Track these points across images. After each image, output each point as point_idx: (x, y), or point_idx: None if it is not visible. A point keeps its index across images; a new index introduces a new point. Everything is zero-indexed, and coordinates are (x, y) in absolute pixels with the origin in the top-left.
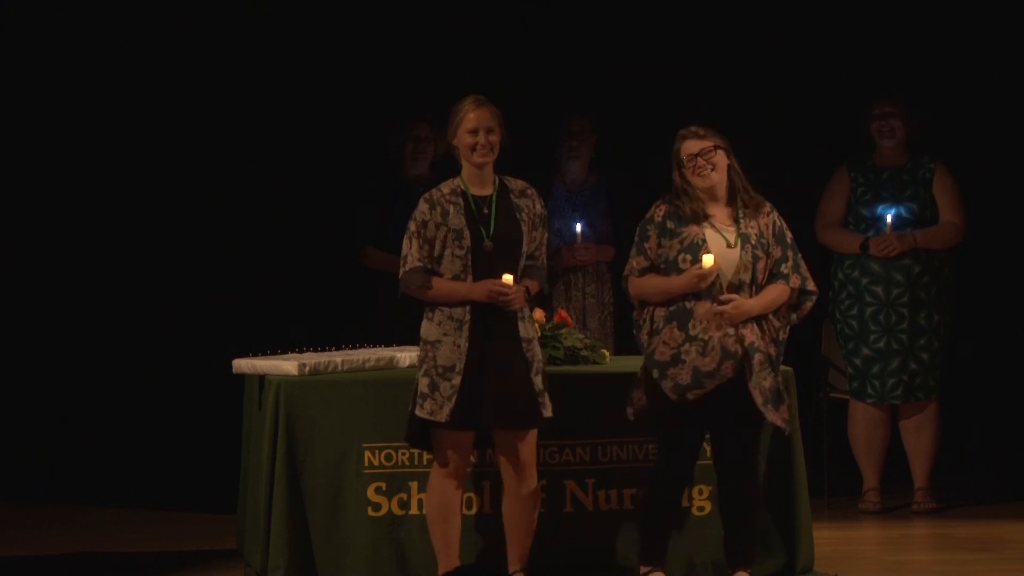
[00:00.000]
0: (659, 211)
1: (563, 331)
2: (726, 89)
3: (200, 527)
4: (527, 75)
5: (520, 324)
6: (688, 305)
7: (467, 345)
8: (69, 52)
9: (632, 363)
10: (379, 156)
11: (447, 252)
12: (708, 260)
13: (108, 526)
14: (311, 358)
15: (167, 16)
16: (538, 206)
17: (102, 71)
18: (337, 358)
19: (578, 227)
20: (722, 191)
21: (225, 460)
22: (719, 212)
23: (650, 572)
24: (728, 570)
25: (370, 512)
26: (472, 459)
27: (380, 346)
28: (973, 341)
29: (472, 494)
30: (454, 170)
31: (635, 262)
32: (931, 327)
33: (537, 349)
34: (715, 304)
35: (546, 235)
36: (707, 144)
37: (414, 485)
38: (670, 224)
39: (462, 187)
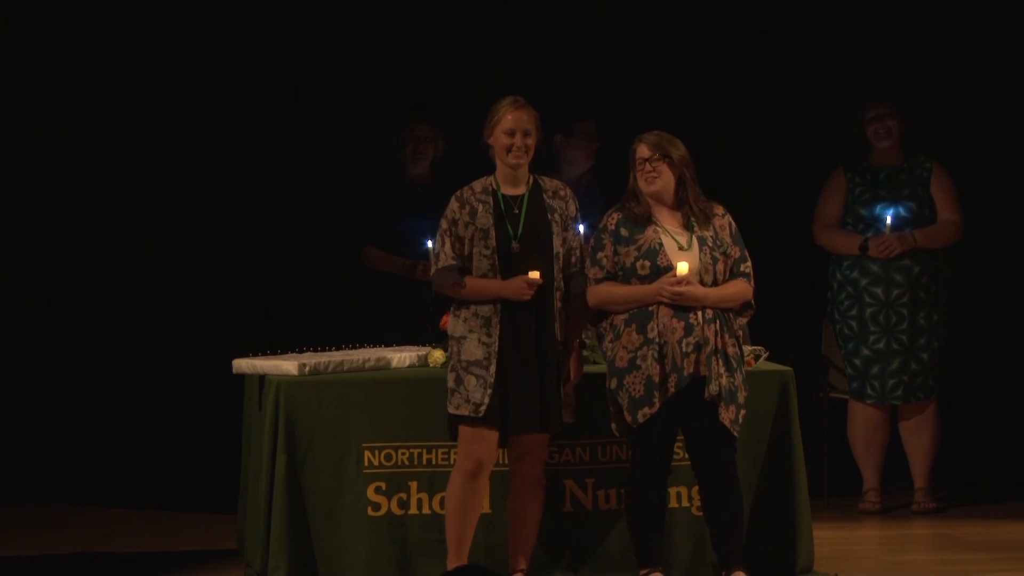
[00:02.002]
0: (611, 219)
1: None
2: (724, 89)
3: (200, 527)
4: (526, 75)
5: (557, 326)
6: (650, 308)
7: (497, 343)
8: (70, 52)
9: None
10: (379, 156)
11: (475, 251)
12: (683, 268)
13: (108, 526)
14: (311, 358)
15: (168, 16)
16: (572, 207)
17: (104, 71)
18: (337, 358)
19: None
20: (669, 198)
21: (225, 460)
22: (669, 218)
23: (649, 573)
24: (722, 571)
25: (370, 512)
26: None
27: (380, 346)
28: (973, 341)
29: None
30: (454, 170)
31: (591, 272)
32: (931, 326)
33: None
34: (668, 286)
35: (579, 239)
36: (656, 152)
37: (414, 485)
38: (624, 231)
39: (494, 186)
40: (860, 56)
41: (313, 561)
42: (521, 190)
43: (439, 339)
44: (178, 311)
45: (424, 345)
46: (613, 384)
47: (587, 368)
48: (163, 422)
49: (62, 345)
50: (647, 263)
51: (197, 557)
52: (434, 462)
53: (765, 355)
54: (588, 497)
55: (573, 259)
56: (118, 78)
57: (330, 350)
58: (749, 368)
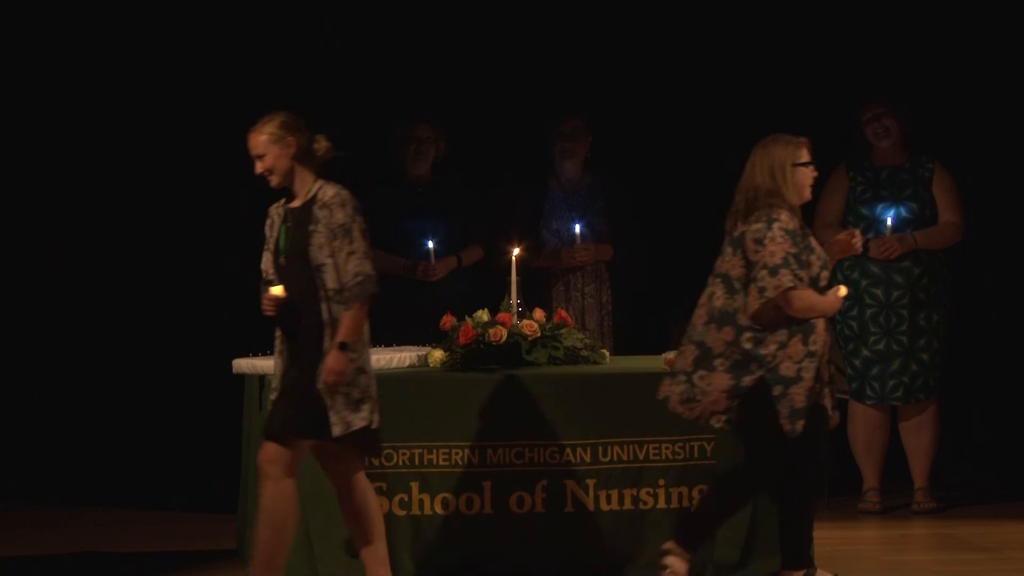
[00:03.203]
0: (792, 222)
1: (563, 331)
2: (724, 87)
3: (200, 527)
4: (523, 75)
5: (325, 338)
6: (812, 320)
7: (281, 361)
8: (69, 52)
9: (632, 363)
10: (381, 157)
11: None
12: (844, 290)
13: (108, 526)
14: None
15: (167, 16)
16: (338, 215)
17: (104, 71)
18: None
19: (577, 227)
20: None
21: (225, 460)
22: None
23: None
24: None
25: None
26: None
27: (380, 346)
28: (973, 341)
29: (473, 494)
30: (455, 170)
31: (803, 273)
32: (931, 327)
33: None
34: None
35: (359, 244)
36: None
37: (415, 486)
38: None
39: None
40: (862, 54)
41: (313, 561)
42: (299, 203)
43: (439, 339)
44: (178, 311)
45: (424, 345)
46: (777, 391)
47: (585, 368)
48: (163, 422)
49: (62, 345)
50: (827, 274)
51: (197, 557)
52: (435, 463)
53: None
54: (589, 498)
55: (353, 267)
56: (118, 79)
57: None
58: None
